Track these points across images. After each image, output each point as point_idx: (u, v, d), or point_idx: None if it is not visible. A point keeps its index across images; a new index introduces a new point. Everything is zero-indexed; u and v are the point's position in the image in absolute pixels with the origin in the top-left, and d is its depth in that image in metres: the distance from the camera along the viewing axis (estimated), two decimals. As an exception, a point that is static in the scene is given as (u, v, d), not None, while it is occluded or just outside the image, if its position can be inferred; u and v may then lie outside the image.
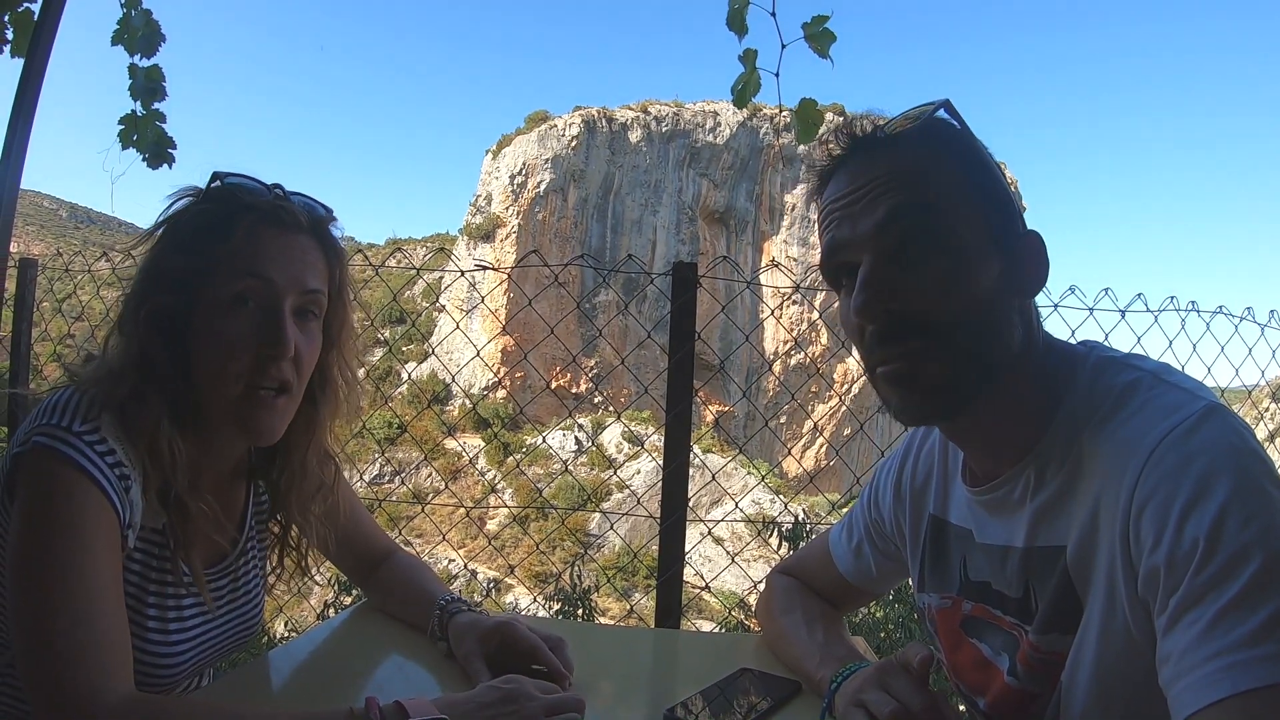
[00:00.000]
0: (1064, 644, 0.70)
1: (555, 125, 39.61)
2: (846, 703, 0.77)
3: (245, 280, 0.86)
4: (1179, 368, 0.74)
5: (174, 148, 2.36)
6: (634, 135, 40.64)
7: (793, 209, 41.58)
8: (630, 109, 41.50)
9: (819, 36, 1.73)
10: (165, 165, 2.36)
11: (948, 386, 0.70)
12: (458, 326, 3.85)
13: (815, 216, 0.79)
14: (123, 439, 0.81)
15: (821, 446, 34.75)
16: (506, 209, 38.51)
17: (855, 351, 0.76)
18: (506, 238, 37.91)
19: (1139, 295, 2.58)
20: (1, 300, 2.17)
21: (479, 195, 39.88)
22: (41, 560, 0.73)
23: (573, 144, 39.01)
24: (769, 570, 1.25)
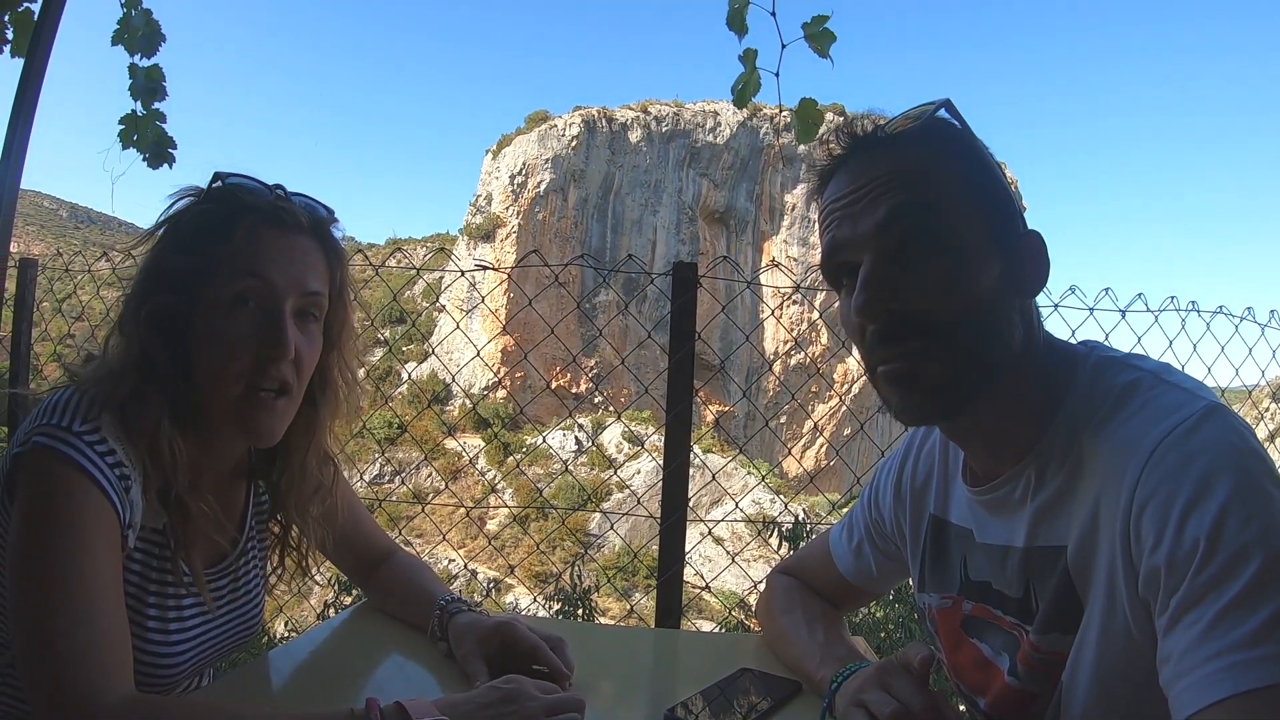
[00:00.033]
0: (1064, 644, 0.70)
1: (555, 125, 39.62)
2: (847, 703, 0.76)
3: (246, 281, 0.86)
4: (1179, 368, 0.74)
5: (174, 147, 2.36)
6: (634, 135, 40.64)
7: (793, 209, 41.58)
8: (630, 109, 41.51)
9: (819, 36, 1.73)
10: (165, 165, 2.36)
11: (948, 386, 0.70)
12: (458, 326, 3.85)
13: (815, 216, 0.79)
14: (123, 439, 0.81)
15: (821, 446, 34.75)
16: (506, 209, 38.51)
17: (856, 351, 0.76)
18: (506, 238, 37.92)
19: (1139, 295, 2.58)
20: (1, 300, 2.17)
21: (479, 195, 39.89)
22: (41, 560, 0.73)
23: (573, 144, 39.01)
24: (769, 570, 1.25)
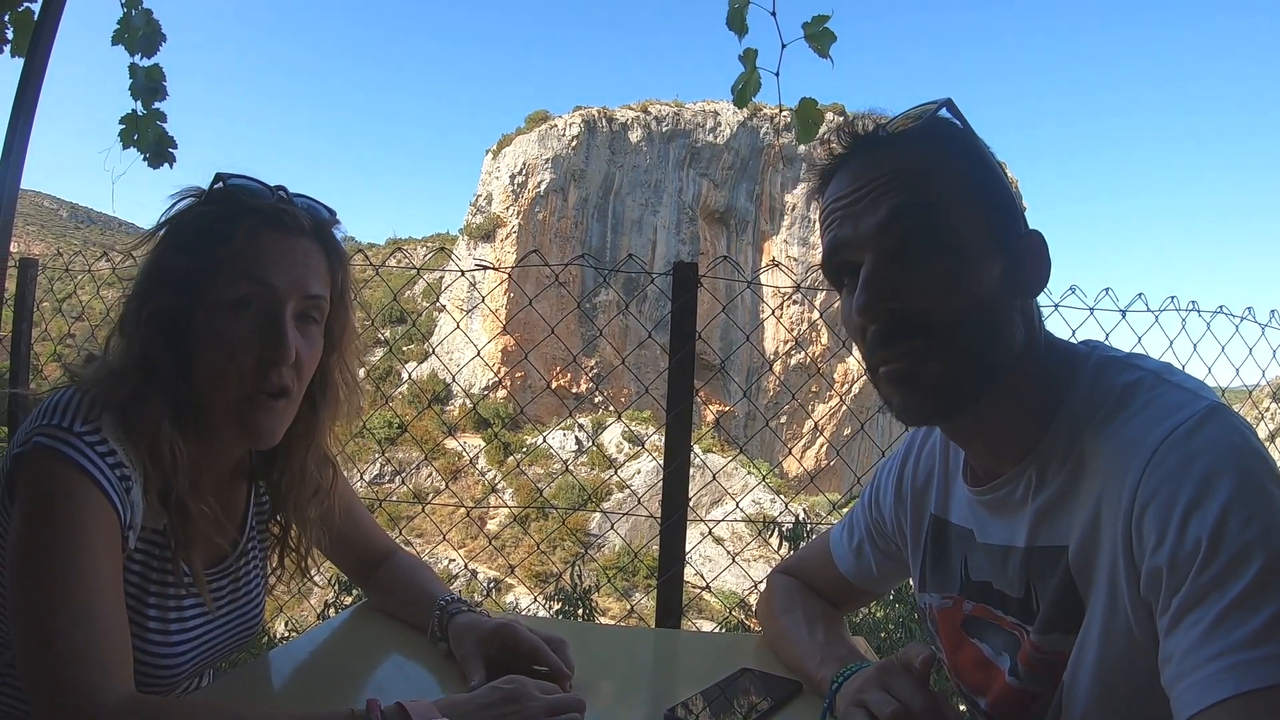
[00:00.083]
0: (1066, 644, 0.70)
1: (555, 125, 39.62)
2: (847, 703, 0.76)
3: (247, 284, 0.85)
4: (1180, 368, 0.74)
5: (175, 147, 2.36)
6: (634, 135, 40.65)
7: (793, 209, 41.57)
8: (630, 109, 41.51)
9: (819, 36, 1.73)
10: (166, 165, 2.36)
11: (949, 386, 0.70)
12: (458, 326, 3.84)
13: (816, 216, 0.79)
14: (124, 440, 0.81)
15: (822, 446, 34.73)
16: (507, 209, 38.52)
17: (856, 351, 0.76)
18: (507, 237, 37.92)
19: (1139, 295, 2.58)
20: (1, 300, 2.17)
21: (479, 195, 39.90)
22: (42, 560, 0.73)
23: (573, 144, 39.02)
24: (769, 570, 1.25)
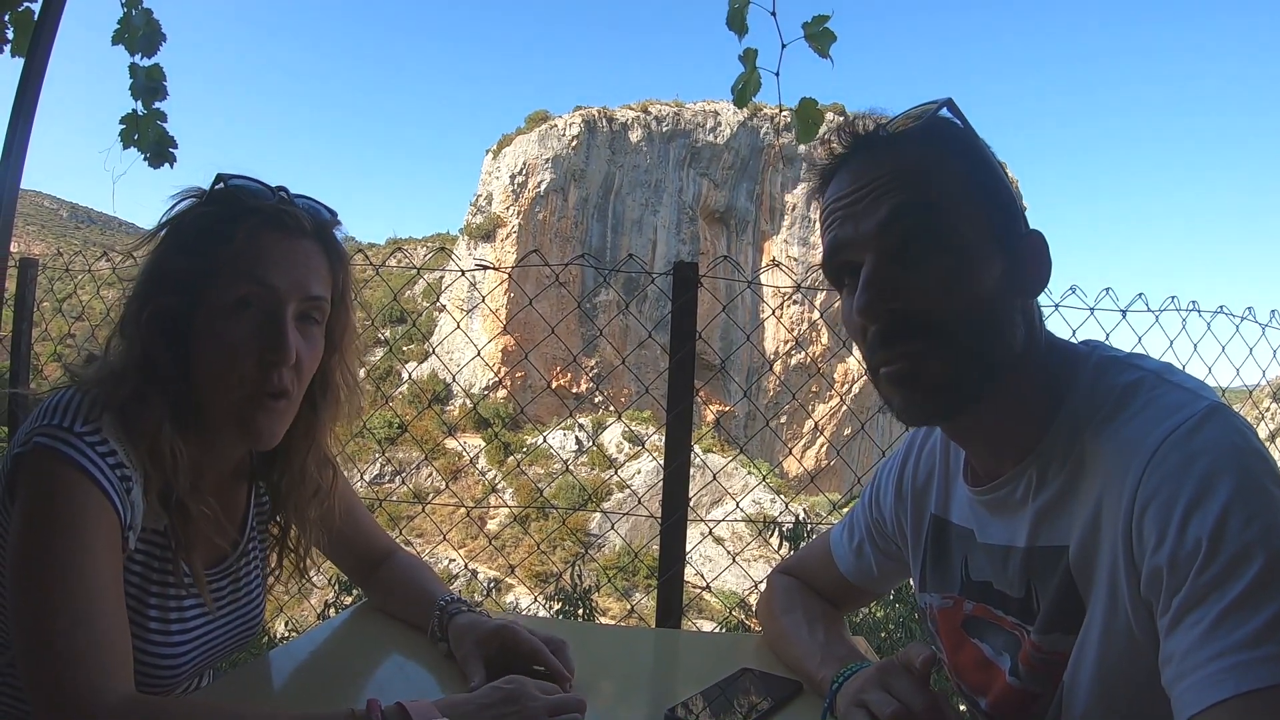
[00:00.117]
0: (1066, 644, 0.70)
1: (555, 125, 39.63)
2: (848, 703, 0.76)
3: (247, 285, 0.85)
4: (1180, 367, 0.74)
5: (175, 147, 2.36)
6: (634, 135, 40.66)
7: (793, 209, 41.57)
8: (630, 109, 41.52)
9: (819, 36, 1.73)
10: (166, 165, 2.36)
11: (950, 386, 0.70)
12: (458, 326, 3.83)
13: (816, 216, 0.79)
14: (124, 440, 0.81)
15: (822, 446, 34.73)
16: (507, 209, 38.52)
17: (856, 351, 0.76)
18: (507, 237, 37.93)
19: (1140, 295, 2.58)
20: (1, 300, 2.17)
21: (479, 195, 39.91)
22: (42, 560, 0.73)
23: (573, 144, 39.02)
24: (770, 570, 1.25)
